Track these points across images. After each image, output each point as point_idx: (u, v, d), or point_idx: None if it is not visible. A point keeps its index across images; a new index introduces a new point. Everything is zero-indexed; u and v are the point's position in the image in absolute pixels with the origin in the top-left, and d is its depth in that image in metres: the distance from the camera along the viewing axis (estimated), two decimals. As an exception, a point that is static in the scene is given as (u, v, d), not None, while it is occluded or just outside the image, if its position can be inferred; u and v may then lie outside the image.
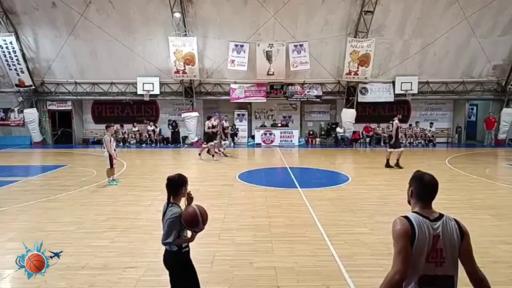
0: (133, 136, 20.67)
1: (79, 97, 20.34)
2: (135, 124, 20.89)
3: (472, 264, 2.30)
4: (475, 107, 22.63)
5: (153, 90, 19.62)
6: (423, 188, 2.39)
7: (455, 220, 2.37)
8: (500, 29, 18.03)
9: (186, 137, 20.61)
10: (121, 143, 20.11)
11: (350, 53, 18.35)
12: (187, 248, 3.53)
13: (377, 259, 5.41)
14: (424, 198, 2.38)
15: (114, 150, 10.36)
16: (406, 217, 2.33)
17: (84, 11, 17.23)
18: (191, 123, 19.91)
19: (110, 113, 21.55)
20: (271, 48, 18.46)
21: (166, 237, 3.30)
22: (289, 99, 20.47)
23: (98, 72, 19.51)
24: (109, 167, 10.22)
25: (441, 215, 2.35)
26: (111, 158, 10.12)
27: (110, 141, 10.19)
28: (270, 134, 20.36)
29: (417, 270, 2.26)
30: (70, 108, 20.76)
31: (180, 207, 3.41)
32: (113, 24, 17.78)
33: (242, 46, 18.23)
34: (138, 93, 19.70)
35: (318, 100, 20.30)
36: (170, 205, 3.39)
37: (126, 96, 20.28)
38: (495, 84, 20.08)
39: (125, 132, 20.60)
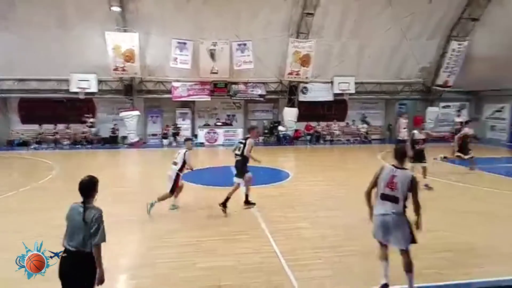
0: (67, 137, 19.41)
1: (2, 94, 18.59)
2: (69, 125, 19.60)
3: (415, 197, 4.25)
4: (404, 106, 24.37)
5: (89, 88, 18.50)
6: (394, 152, 4.58)
7: (413, 176, 4.30)
8: (427, 33, 19.54)
9: (126, 137, 19.75)
10: (53, 144, 18.89)
11: (292, 54, 18.81)
12: None
13: (316, 252, 5.66)
14: (395, 158, 4.52)
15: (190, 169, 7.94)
16: (384, 165, 4.57)
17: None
18: (131, 122, 19.11)
19: (40, 112, 19.85)
20: (214, 46, 18.30)
21: (103, 235, 3.36)
22: (232, 98, 20.52)
23: (27, 68, 17.86)
24: (168, 191, 7.56)
25: (405, 169, 4.41)
26: (177, 181, 7.61)
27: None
28: (214, 133, 20.26)
29: (380, 190, 4.40)
30: (-8, 106, 18.87)
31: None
32: (45, 15, 16.42)
33: (185, 44, 17.86)
34: (72, 90, 18.44)
35: (262, 99, 20.58)
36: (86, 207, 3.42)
37: (59, 94, 18.85)
38: (421, 85, 21.83)
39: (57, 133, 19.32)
